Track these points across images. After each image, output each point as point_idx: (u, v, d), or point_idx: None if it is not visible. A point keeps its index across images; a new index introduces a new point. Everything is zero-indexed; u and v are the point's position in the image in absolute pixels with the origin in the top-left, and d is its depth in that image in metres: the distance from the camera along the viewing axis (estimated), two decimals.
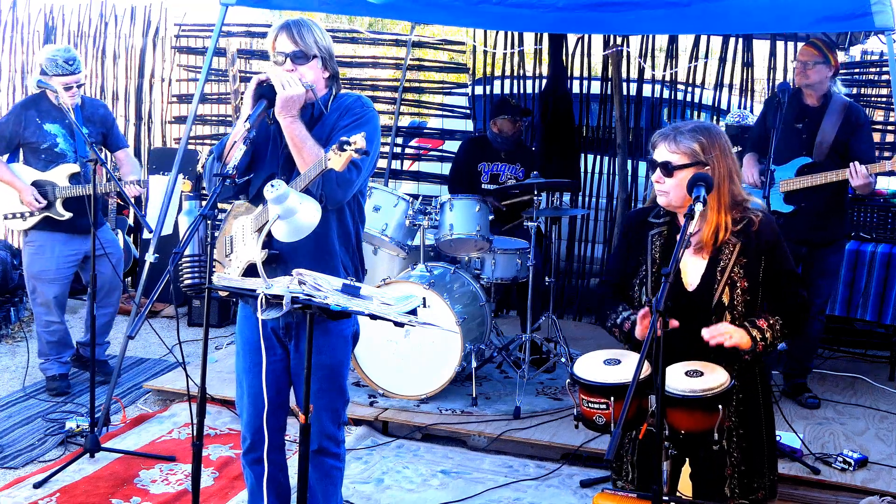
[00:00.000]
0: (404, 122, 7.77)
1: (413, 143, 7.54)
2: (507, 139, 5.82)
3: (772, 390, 2.95)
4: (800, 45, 6.22)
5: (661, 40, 7.36)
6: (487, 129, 6.03)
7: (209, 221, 2.66)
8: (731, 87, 6.71)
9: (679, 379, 2.62)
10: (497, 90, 7.15)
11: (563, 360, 5.27)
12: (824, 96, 4.79)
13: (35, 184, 4.78)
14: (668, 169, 2.75)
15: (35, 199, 4.73)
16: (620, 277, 2.98)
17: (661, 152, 2.78)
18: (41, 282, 4.90)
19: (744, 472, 2.81)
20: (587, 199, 6.92)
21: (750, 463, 2.81)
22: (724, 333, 2.68)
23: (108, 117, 5.09)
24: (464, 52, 7.61)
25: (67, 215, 4.82)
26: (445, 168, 7.11)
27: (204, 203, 2.65)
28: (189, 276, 3.03)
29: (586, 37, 6.93)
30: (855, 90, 6.65)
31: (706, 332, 2.69)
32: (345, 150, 2.54)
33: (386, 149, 7.00)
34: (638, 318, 2.75)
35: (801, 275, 3.67)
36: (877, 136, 6.20)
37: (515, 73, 7.13)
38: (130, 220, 6.87)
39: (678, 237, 2.57)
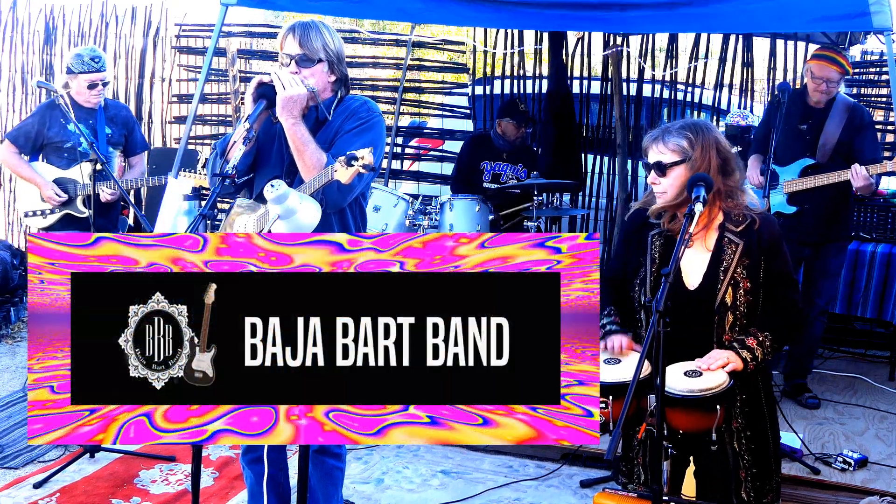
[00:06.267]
0: (404, 122, 7.77)
1: (413, 143, 7.54)
2: (508, 141, 5.81)
3: (773, 391, 2.94)
4: (804, 46, 6.24)
5: (661, 40, 7.36)
6: (492, 128, 6.02)
7: (208, 221, 2.66)
8: (731, 87, 6.71)
9: (678, 379, 2.61)
10: (497, 90, 7.14)
11: None
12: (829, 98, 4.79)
13: (56, 181, 4.81)
14: (662, 168, 2.77)
15: (55, 193, 4.75)
16: (616, 274, 2.99)
17: (653, 154, 2.80)
18: None
19: (755, 474, 2.79)
20: (587, 199, 6.91)
21: (760, 465, 2.80)
22: (718, 360, 2.67)
23: (130, 120, 5.10)
24: (464, 52, 7.61)
25: (87, 213, 4.83)
26: (445, 168, 7.10)
27: (203, 203, 2.65)
28: None
29: (586, 37, 6.92)
30: (855, 90, 6.64)
31: (702, 363, 2.67)
32: (352, 166, 2.55)
33: (386, 149, 6.99)
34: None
35: (798, 279, 3.68)
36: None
37: (515, 73, 7.13)
38: (130, 220, 6.87)
39: (678, 237, 2.57)
